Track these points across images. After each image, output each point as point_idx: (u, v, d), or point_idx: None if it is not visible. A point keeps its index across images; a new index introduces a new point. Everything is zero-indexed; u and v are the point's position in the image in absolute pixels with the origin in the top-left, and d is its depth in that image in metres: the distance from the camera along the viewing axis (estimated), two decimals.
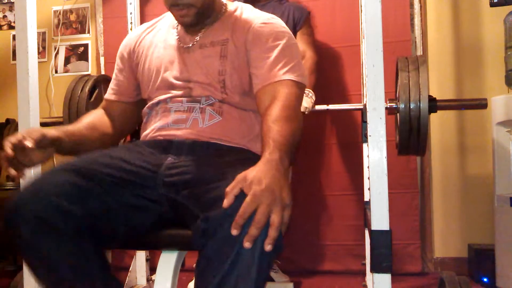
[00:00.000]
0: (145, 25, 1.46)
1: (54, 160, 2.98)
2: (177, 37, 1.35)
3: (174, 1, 1.25)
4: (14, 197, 1.04)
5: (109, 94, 1.46)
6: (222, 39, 1.29)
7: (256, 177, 0.90)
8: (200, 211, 0.99)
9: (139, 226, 1.16)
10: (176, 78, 1.29)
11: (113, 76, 1.47)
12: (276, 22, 1.31)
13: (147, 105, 1.36)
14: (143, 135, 1.34)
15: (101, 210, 1.08)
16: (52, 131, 1.20)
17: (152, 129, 1.30)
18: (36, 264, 1.05)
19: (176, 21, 1.35)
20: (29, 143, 1.09)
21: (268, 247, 0.86)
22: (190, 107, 1.26)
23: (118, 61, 1.45)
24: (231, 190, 0.90)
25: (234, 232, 0.86)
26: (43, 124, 1.74)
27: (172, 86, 1.30)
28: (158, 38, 1.39)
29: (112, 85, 1.46)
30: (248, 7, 1.37)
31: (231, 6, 1.36)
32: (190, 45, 1.31)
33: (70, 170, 1.08)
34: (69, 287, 1.03)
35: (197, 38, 1.31)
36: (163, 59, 1.33)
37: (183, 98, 1.27)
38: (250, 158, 1.14)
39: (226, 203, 0.89)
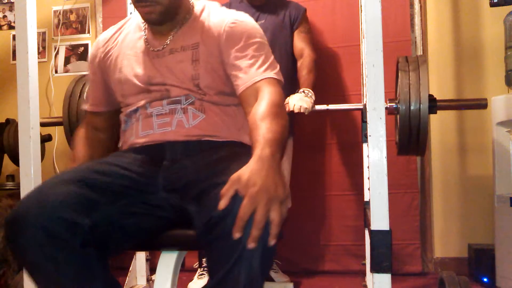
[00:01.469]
0: (112, 29, 1.41)
1: (56, 168, 2.99)
2: (145, 41, 1.32)
3: None
4: (17, 209, 1.03)
5: (90, 106, 1.43)
6: (192, 43, 1.27)
7: (251, 178, 0.90)
8: (200, 211, 1.00)
9: (145, 231, 1.17)
10: (150, 83, 1.27)
11: (89, 85, 1.44)
12: (245, 20, 1.29)
13: (124, 112, 1.32)
14: (128, 142, 1.31)
15: (107, 220, 1.08)
16: None
17: (137, 137, 1.27)
18: (40, 277, 1.04)
19: (142, 20, 1.33)
20: None
21: (272, 243, 0.89)
22: (171, 109, 1.24)
23: (89, 70, 1.42)
24: (226, 192, 0.91)
25: (237, 235, 0.87)
26: (43, 124, 1.74)
27: (148, 91, 1.27)
28: (126, 43, 1.35)
29: (90, 95, 1.43)
30: (215, 6, 1.34)
31: (198, 6, 1.33)
32: (160, 48, 1.29)
33: (72, 181, 1.08)
34: None
35: (167, 42, 1.29)
36: (134, 66, 1.30)
37: (163, 101, 1.25)
38: (242, 151, 1.16)
39: (221, 205, 0.90)
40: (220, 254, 0.92)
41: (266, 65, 1.23)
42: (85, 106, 1.46)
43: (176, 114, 1.24)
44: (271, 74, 1.22)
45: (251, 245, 0.87)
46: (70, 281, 1.02)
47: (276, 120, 1.08)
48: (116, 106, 1.39)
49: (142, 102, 1.27)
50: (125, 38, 1.36)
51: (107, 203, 1.09)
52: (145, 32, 1.33)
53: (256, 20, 2.34)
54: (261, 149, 0.98)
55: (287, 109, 2.03)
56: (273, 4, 2.37)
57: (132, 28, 1.36)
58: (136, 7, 1.26)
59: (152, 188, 1.17)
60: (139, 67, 1.29)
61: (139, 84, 1.28)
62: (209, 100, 1.25)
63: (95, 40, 1.44)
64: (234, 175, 0.92)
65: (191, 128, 1.22)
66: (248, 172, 0.92)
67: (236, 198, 0.90)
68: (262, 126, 1.06)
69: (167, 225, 1.17)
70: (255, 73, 1.21)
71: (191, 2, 1.33)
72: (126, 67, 1.31)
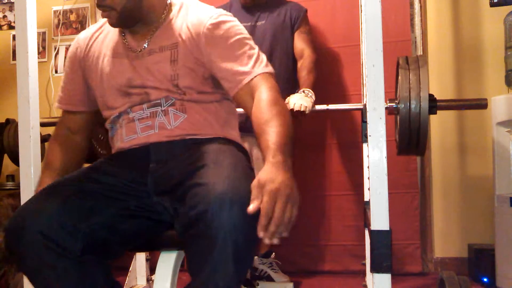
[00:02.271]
0: (93, 27, 1.40)
1: None
2: (124, 42, 1.30)
3: (98, 2, 1.22)
4: (15, 217, 1.04)
5: (66, 105, 1.39)
6: (171, 43, 1.24)
7: (268, 178, 0.94)
8: (180, 212, 1.01)
9: (144, 234, 1.18)
10: (130, 85, 1.25)
11: (65, 83, 1.40)
12: (223, 19, 1.25)
13: (108, 120, 1.32)
14: (115, 149, 1.31)
15: (104, 225, 1.09)
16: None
17: (122, 142, 1.27)
18: (41, 285, 1.05)
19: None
20: None
21: (268, 241, 0.91)
22: (152, 112, 1.23)
23: (67, 69, 1.39)
24: (253, 198, 0.93)
25: (261, 234, 0.90)
26: (43, 124, 1.74)
27: (128, 94, 1.26)
28: (106, 44, 1.33)
29: (66, 94, 1.39)
30: (192, 3, 1.32)
31: (175, 5, 1.31)
32: (139, 50, 1.27)
33: (68, 188, 1.09)
34: None
35: (146, 43, 1.27)
36: (114, 69, 1.28)
37: (143, 105, 1.24)
38: (226, 147, 1.17)
39: (250, 209, 0.91)
40: (197, 256, 0.94)
41: (252, 62, 1.20)
42: (59, 105, 1.42)
43: (157, 117, 1.23)
44: (261, 69, 1.19)
45: (267, 240, 0.90)
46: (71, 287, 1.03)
47: (280, 121, 1.08)
48: (93, 107, 1.37)
49: (124, 107, 1.26)
50: (105, 38, 1.34)
51: (103, 209, 1.10)
52: (124, 33, 1.31)
53: (256, 21, 2.34)
54: (273, 155, 1.00)
55: None
56: (273, 4, 2.36)
57: (112, 28, 1.33)
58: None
59: (143, 193, 1.17)
60: (119, 70, 1.27)
61: (120, 87, 1.27)
62: (189, 99, 1.23)
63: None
64: (254, 182, 0.94)
65: (173, 129, 1.22)
66: (265, 175, 0.94)
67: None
68: (269, 131, 1.05)
69: (165, 226, 1.17)
70: (245, 72, 1.18)
71: (168, 1, 1.30)
72: (106, 69, 1.29)
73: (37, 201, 1.07)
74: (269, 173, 0.95)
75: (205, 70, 1.23)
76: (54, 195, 1.07)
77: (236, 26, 1.25)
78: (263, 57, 1.24)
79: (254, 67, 1.19)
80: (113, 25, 1.26)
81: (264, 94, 1.14)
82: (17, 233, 1.02)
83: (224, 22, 1.24)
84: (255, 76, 1.18)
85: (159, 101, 1.23)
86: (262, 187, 0.93)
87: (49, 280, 1.03)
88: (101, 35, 1.35)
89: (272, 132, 1.05)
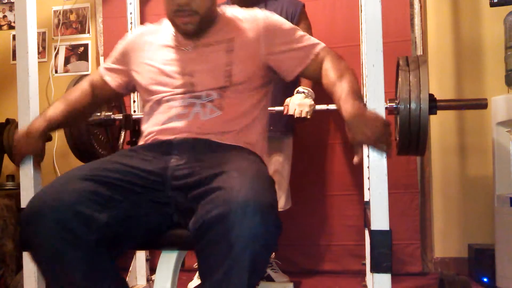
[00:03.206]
0: (151, 25, 1.49)
1: (57, 168, 2.98)
2: (176, 40, 1.38)
3: (178, 7, 1.25)
4: (33, 203, 1.04)
5: (107, 74, 1.49)
6: (228, 37, 1.33)
7: (366, 125, 1.19)
8: (195, 215, 1.01)
9: (151, 230, 1.18)
10: (178, 73, 1.32)
11: (112, 58, 1.50)
12: (270, 13, 1.42)
13: (148, 104, 1.37)
14: (146, 132, 1.34)
15: (121, 217, 1.09)
16: (54, 117, 1.39)
17: (155, 123, 1.31)
18: (52, 273, 1.05)
19: (175, 30, 1.37)
20: None
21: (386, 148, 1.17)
22: (191, 102, 1.29)
23: (117, 52, 1.49)
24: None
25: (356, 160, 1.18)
26: None
27: (173, 83, 1.32)
28: (158, 40, 1.41)
29: (110, 64, 1.50)
30: (231, 8, 1.45)
31: (219, 10, 1.41)
32: (192, 46, 1.35)
33: (86, 178, 1.09)
34: None
35: (198, 41, 1.35)
36: (164, 56, 1.36)
37: (185, 95, 1.29)
38: (249, 157, 1.21)
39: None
40: (212, 259, 0.94)
41: (311, 38, 1.42)
42: (101, 68, 1.52)
43: (195, 107, 1.28)
44: (321, 43, 1.43)
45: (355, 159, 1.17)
46: (80, 279, 1.03)
47: (350, 74, 1.32)
48: (122, 91, 1.50)
49: (165, 94, 1.32)
50: (158, 36, 1.42)
51: (119, 201, 1.10)
52: (175, 33, 1.38)
53: None
54: (357, 102, 1.19)
55: (285, 111, 2.02)
56: (269, 2, 2.30)
57: (165, 30, 1.42)
58: (173, 18, 1.30)
59: (159, 185, 1.17)
60: (170, 59, 1.35)
61: (168, 73, 1.33)
62: (230, 96, 1.29)
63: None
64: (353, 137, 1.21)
65: (205, 121, 1.26)
66: (361, 122, 1.20)
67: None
68: (347, 85, 1.25)
69: (172, 223, 1.18)
70: (311, 47, 1.40)
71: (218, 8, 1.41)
72: (155, 57, 1.37)
73: (55, 187, 1.06)
74: (364, 119, 1.17)
75: (259, 62, 1.35)
76: (73, 182, 1.07)
77: (280, 17, 1.44)
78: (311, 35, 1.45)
79: (315, 41, 1.42)
80: (190, 31, 1.32)
81: (333, 58, 1.40)
82: (34, 220, 1.01)
83: (272, 14, 1.42)
84: (321, 49, 1.40)
85: (200, 94, 1.29)
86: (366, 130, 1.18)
87: (60, 270, 1.02)
88: (155, 34, 1.43)
89: (349, 86, 1.24)
